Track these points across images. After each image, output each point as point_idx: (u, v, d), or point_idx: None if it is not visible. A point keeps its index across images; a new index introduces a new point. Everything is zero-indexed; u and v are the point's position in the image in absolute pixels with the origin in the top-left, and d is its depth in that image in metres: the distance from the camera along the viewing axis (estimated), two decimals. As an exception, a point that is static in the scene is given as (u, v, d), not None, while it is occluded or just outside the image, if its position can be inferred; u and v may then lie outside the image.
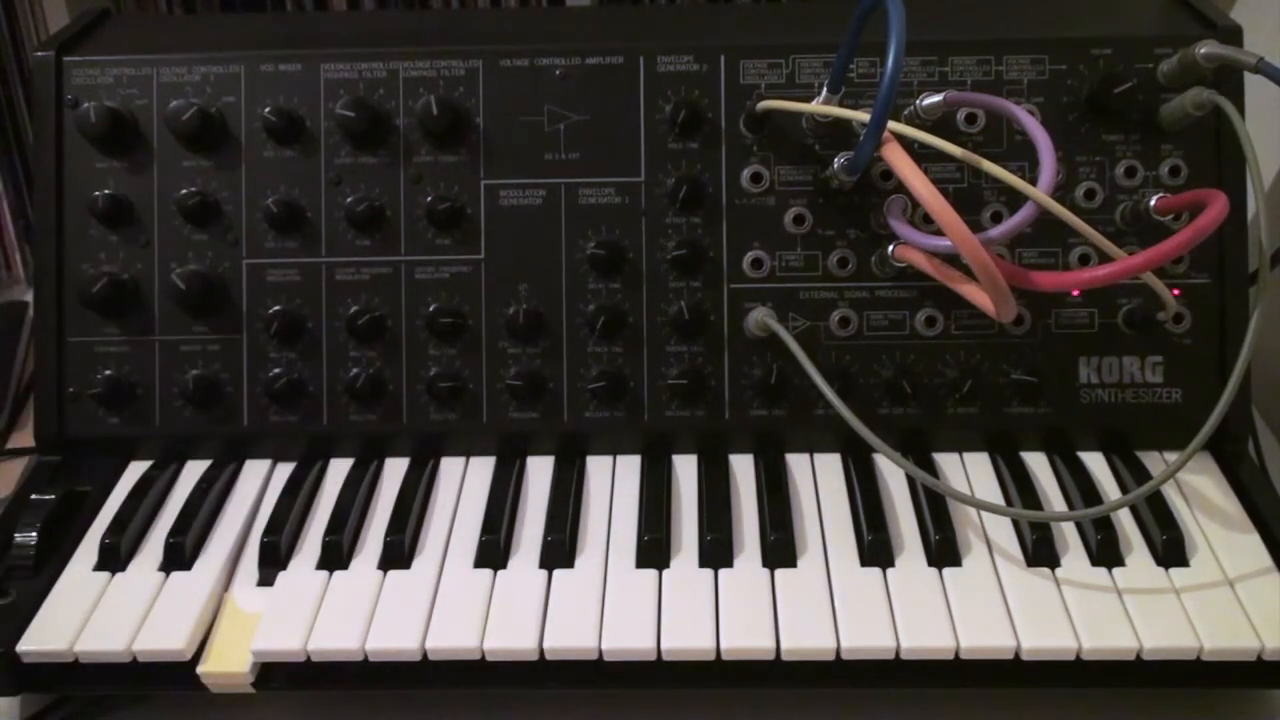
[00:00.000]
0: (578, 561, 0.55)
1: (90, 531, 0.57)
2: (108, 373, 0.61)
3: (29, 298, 0.83)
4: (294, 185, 0.61)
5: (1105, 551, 0.54)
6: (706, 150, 0.60)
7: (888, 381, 0.59)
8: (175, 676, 0.52)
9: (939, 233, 0.55)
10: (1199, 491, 0.58)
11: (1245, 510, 0.56)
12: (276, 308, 0.60)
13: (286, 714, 0.55)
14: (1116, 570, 0.53)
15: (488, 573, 0.54)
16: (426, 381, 0.60)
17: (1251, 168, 0.51)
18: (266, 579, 0.55)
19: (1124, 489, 0.57)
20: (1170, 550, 0.54)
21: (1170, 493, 0.57)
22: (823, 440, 0.61)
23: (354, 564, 0.55)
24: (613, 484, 0.60)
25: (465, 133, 0.61)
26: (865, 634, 0.50)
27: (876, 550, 0.54)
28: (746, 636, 0.50)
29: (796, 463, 0.60)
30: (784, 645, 0.50)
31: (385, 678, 0.52)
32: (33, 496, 0.59)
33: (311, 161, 0.60)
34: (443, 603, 0.53)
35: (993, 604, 0.52)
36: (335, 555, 0.55)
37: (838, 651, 0.50)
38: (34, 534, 0.56)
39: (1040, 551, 0.54)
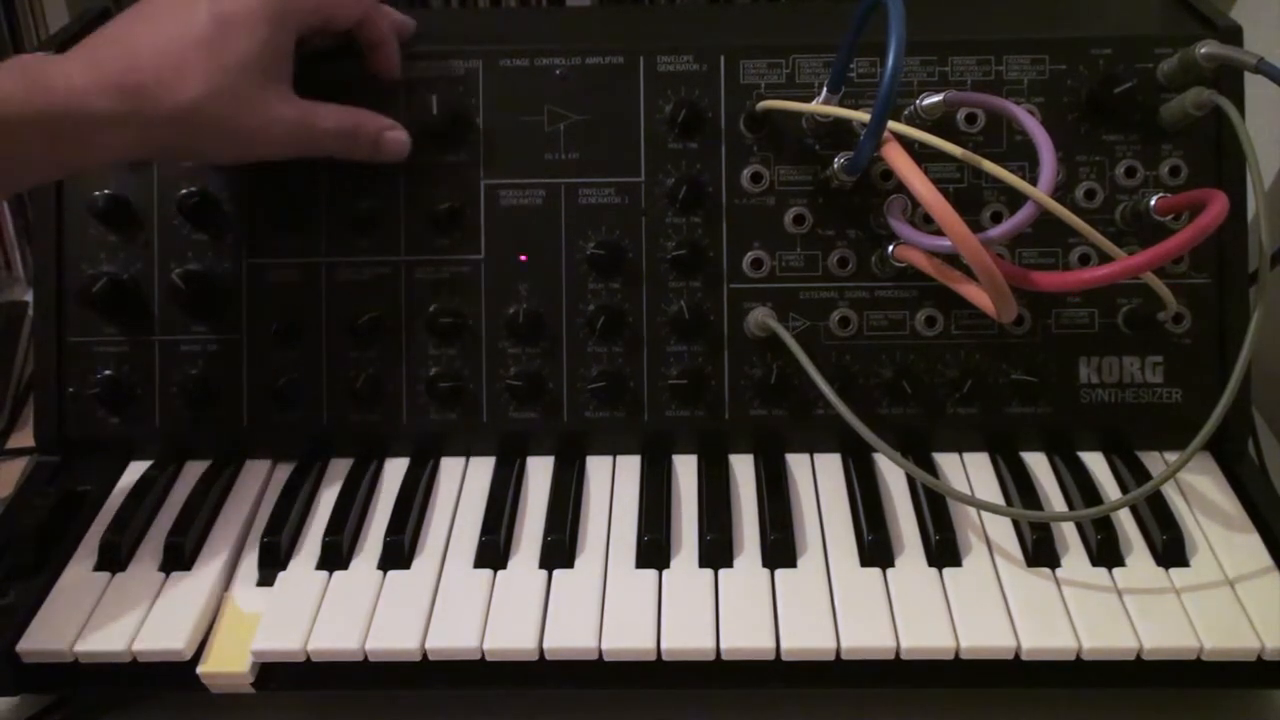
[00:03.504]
0: (578, 561, 0.55)
1: (90, 531, 0.57)
2: (107, 373, 0.61)
3: (29, 298, 0.83)
4: (294, 184, 0.61)
5: (1105, 551, 0.54)
6: (706, 150, 0.60)
7: (888, 381, 0.59)
8: (175, 676, 0.52)
9: (939, 233, 0.55)
10: (1199, 491, 0.58)
11: (1245, 510, 0.56)
12: (276, 308, 0.60)
13: (286, 714, 0.55)
14: (1116, 570, 0.53)
15: (488, 573, 0.54)
16: (426, 381, 0.60)
17: (1251, 168, 0.51)
18: (266, 579, 0.55)
19: (1124, 489, 0.57)
20: (1170, 550, 0.54)
21: (1170, 493, 0.57)
22: (823, 440, 0.61)
23: (354, 564, 0.55)
24: (613, 484, 0.60)
25: (465, 133, 0.61)
26: (865, 634, 0.50)
27: (876, 550, 0.54)
28: (746, 636, 0.50)
29: (796, 463, 0.60)
30: (784, 645, 0.50)
31: (385, 678, 0.52)
32: (33, 496, 0.59)
33: (312, 161, 0.60)
34: (443, 603, 0.53)
35: (993, 604, 0.52)
36: (335, 555, 0.55)
37: (838, 651, 0.50)
38: (34, 534, 0.56)
39: (1040, 551, 0.54)
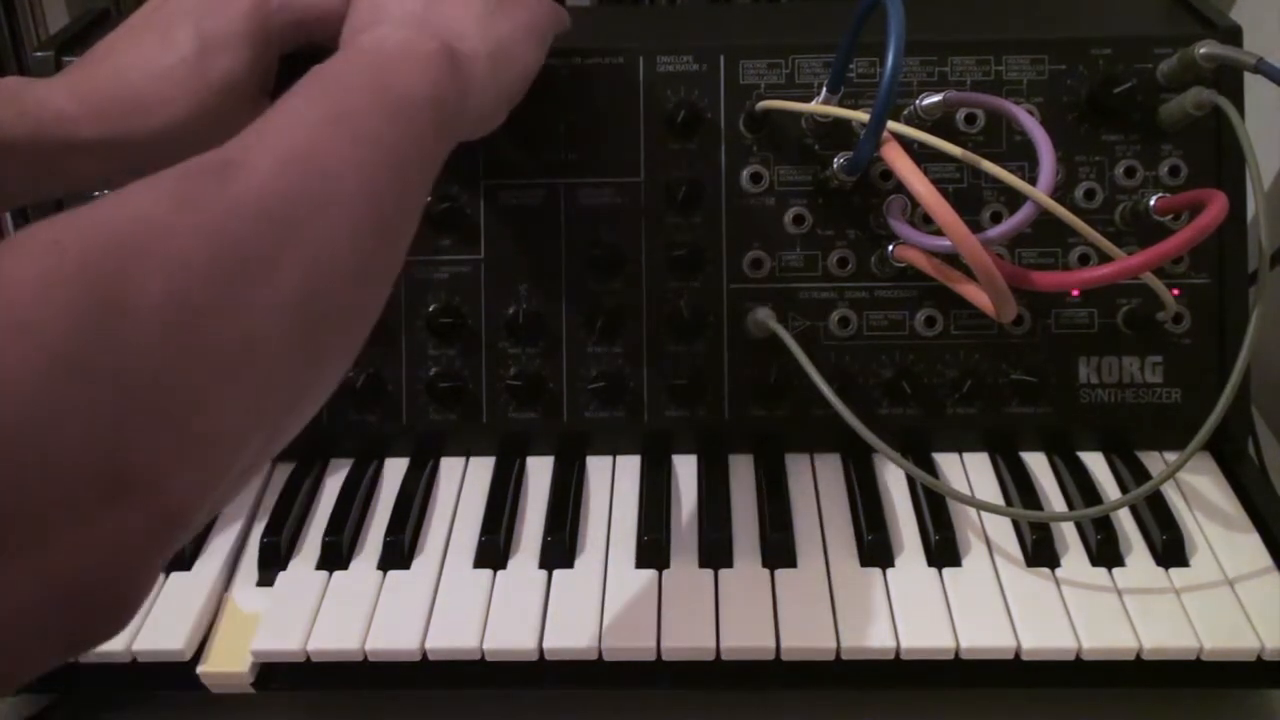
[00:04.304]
0: (577, 561, 0.55)
1: (90, 531, 0.57)
2: (108, 373, 0.60)
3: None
4: (294, 185, 0.61)
5: (1105, 551, 0.54)
6: (706, 150, 0.60)
7: (888, 381, 0.59)
8: (175, 676, 0.52)
9: (939, 233, 0.54)
10: (1199, 491, 0.58)
11: (1245, 510, 0.56)
12: (276, 308, 0.60)
13: (286, 714, 0.55)
14: (1116, 570, 0.53)
15: (487, 573, 0.54)
16: (426, 381, 0.60)
17: (1251, 168, 0.51)
18: (266, 579, 0.55)
19: (1124, 489, 0.57)
20: (1170, 550, 0.54)
21: (1170, 493, 0.57)
22: (823, 440, 0.61)
23: (354, 564, 0.55)
24: (613, 484, 0.60)
25: (465, 133, 0.61)
26: (865, 634, 0.50)
27: (876, 550, 0.54)
28: (746, 636, 0.50)
29: (796, 463, 0.60)
30: (784, 645, 0.50)
31: (385, 678, 0.52)
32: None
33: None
34: (442, 603, 0.53)
35: (993, 604, 0.52)
36: (335, 555, 0.55)
37: (838, 651, 0.50)
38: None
39: (1040, 551, 0.54)
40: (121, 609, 0.28)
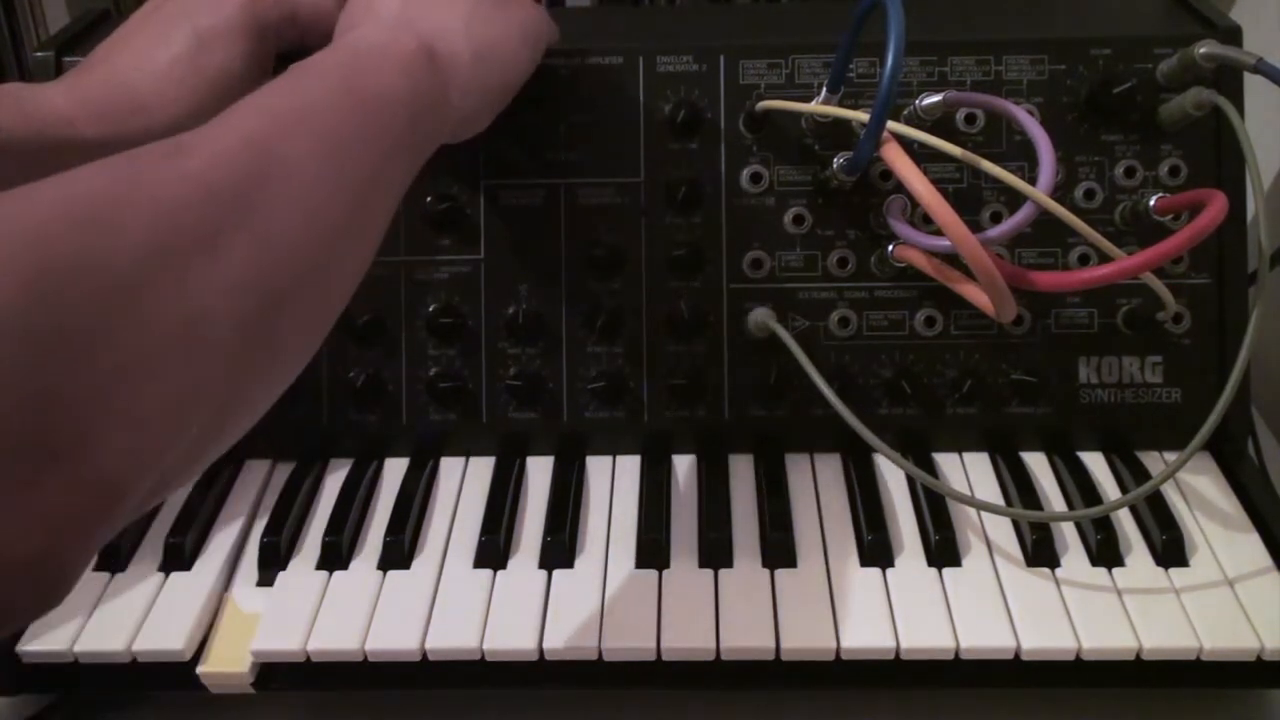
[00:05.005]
0: (577, 561, 0.55)
1: (90, 531, 0.57)
2: (108, 373, 0.60)
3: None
4: (294, 185, 0.61)
5: (1105, 551, 0.54)
6: (706, 150, 0.60)
7: (888, 381, 0.59)
8: (175, 677, 0.52)
9: (939, 233, 0.55)
10: (1199, 491, 0.58)
11: (1245, 510, 0.56)
12: (276, 308, 0.60)
13: (286, 714, 0.55)
14: (1116, 570, 0.53)
15: (487, 573, 0.54)
16: (426, 381, 0.60)
17: (1251, 168, 0.51)
18: (266, 579, 0.55)
19: (1124, 489, 0.58)
20: (1170, 550, 0.54)
21: (1170, 493, 0.57)
22: (823, 440, 0.61)
23: (354, 564, 0.55)
24: (612, 484, 0.60)
25: (465, 133, 0.61)
26: (865, 634, 0.50)
27: (876, 550, 0.54)
28: (746, 636, 0.50)
29: (796, 463, 0.60)
30: (784, 645, 0.50)
31: (385, 678, 0.52)
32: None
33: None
34: (442, 603, 0.53)
35: (993, 604, 0.52)
36: (335, 555, 0.55)
37: (838, 651, 0.50)
38: (34, 534, 0.56)
39: (1040, 551, 0.54)
40: (52, 585, 0.28)
